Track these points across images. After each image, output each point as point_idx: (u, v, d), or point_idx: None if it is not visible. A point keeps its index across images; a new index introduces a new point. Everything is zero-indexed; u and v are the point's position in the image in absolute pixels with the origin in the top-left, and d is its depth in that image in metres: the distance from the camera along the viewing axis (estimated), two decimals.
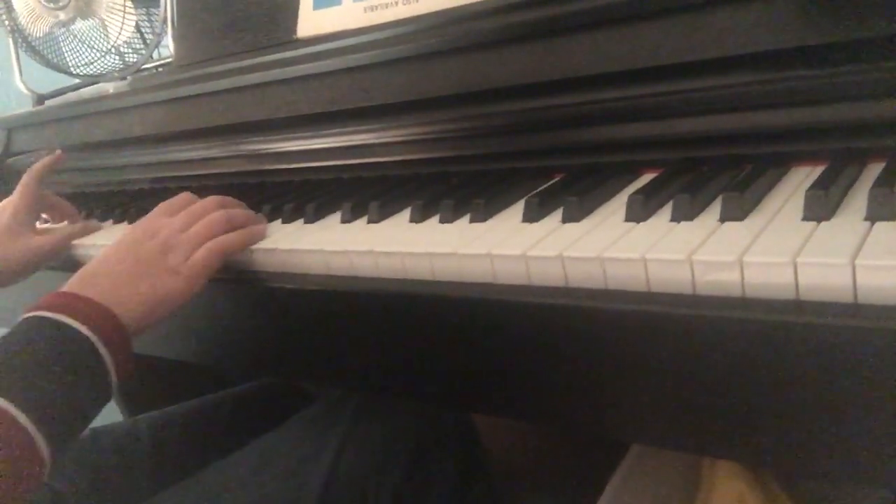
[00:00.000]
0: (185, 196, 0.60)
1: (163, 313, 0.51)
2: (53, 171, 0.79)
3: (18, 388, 0.41)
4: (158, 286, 0.51)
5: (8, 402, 0.40)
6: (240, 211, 0.61)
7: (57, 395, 0.43)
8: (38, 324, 0.45)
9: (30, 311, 0.46)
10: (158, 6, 0.99)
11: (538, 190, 0.54)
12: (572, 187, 0.52)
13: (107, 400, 0.47)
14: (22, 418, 0.40)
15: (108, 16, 1.05)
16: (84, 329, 0.45)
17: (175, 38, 0.93)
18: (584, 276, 0.42)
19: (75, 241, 0.75)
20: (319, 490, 0.61)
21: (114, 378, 0.46)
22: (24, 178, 0.75)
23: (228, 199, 0.62)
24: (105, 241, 0.74)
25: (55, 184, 1.04)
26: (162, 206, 0.59)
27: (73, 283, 0.50)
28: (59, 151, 0.81)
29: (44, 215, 0.83)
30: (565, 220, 0.48)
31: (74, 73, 1.10)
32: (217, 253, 0.54)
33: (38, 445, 0.41)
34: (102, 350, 0.45)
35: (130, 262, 0.52)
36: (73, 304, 0.47)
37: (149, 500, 0.62)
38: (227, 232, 0.57)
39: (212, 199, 0.60)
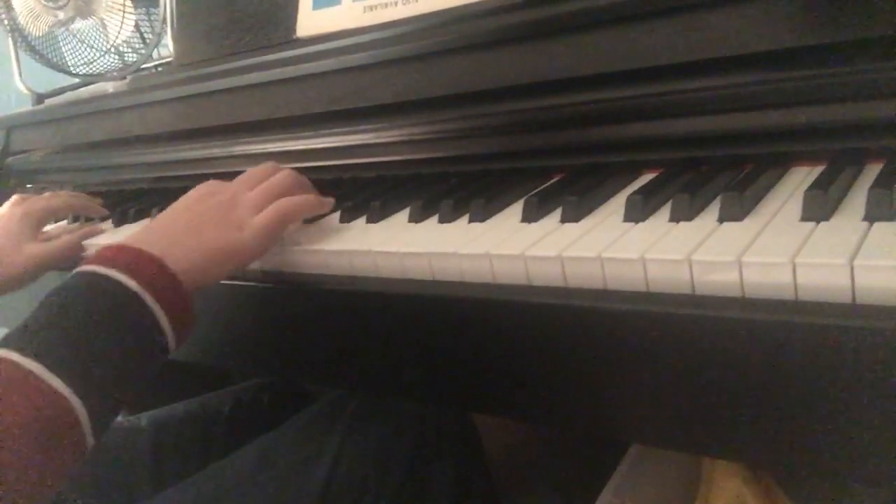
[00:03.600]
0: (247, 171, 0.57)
1: (224, 267, 0.48)
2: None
3: (53, 351, 0.38)
4: (221, 238, 0.48)
5: (41, 365, 0.37)
6: (305, 179, 0.58)
7: (97, 356, 0.39)
8: (79, 279, 0.42)
9: (79, 266, 0.43)
10: (158, 6, 0.98)
11: (537, 190, 0.54)
12: (571, 187, 0.52)
13: (163, 357, 0.43)
14: (56, 383, 0.37)
15: (107, 15, 1.05)
16: (129, 281, 0.41)
17: (175, 38, 0.93)
18: (583, 276, 0.42)
19: (86, 242, 0.75)
20: (320, 490, 0.61)
21: (169, 332, 0.43)
22: (67, 196, 0.76)
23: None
24: (112, 241, 0.74)
25: (55, 184, 1.04)
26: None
27: (128, 239, 0.46)
28: (100, 226, 0.78)
29: None
30: (564, 220, 0.48)
31: (74, 72, 1.10)
32: (282, 212, 0.51)
33: (76, 412, 0.37)
34: (151, 302, 0.42)
35: (191, 215, 0.49)
36: (119, 255, 0.43)
37: (149, 499, 0.62)
38: (295, 193, 0.54)
39: (272, 164, 0.57)
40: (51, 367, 0.37)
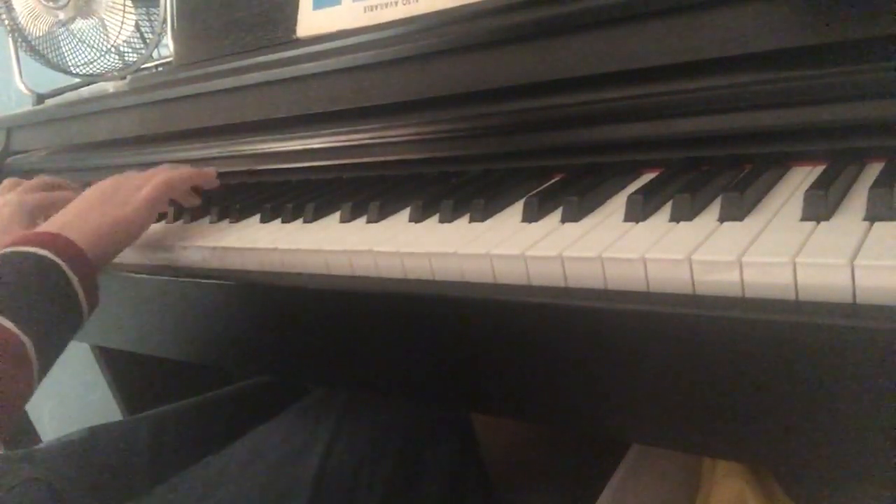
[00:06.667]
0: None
1: (118, 240, 0.58)
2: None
3: (7, 303, 0.46)
4: (108, 216, 0.58)
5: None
6: (183, 166, 0.68)
7: (36, 307, 0.48)
8: (9, 256, 0.50)
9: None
10: (158, 6, 0.99)
11: (538, 190, 0.54)
12: (572, 187, 0.52)
13: (80, 317, 0.52)
14: (10, 325, 0.45)
15: (107, 15, 1.05)
16: (48, 253, 0.51)
17: (175, 38, 0.93)
18: (583, 276, 0.42)
19: None
20: (312, 480, 0.61)
21: (82, 294, 0.52)
22: (54, 183, 0.77)
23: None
24: None
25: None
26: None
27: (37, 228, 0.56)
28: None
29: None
30: (565, 220, 0.48)
31: (74, 72, 1.10)
32: (162, 182, 0.61)
33: (28, 351, 0.46)
34: (66, 268, 0.51)
35: (82, 204, 0.59)
36: (36, 238, 0.52)
37: (145, 495, 0.62)
38: None
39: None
40: (3, 314, 0.46)
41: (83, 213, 0.57)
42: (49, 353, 0.49)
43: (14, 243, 0.51)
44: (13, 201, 0.71)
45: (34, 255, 0.50)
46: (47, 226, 0.56)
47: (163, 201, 0.62)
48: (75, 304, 0.51)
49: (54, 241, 0.52)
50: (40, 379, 0.48)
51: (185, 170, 0.66)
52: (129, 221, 0.58)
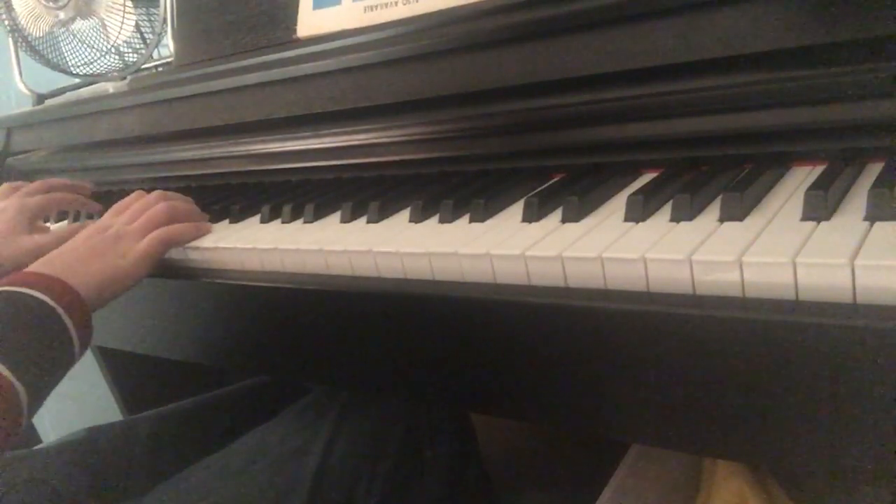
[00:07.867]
0: (134, 195, 0.68)
1: (114, 290, 0.58)
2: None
3: (3, 348, 0.46)
4: (108, 267, 0.58)
5: None
6: (182, 204, 0.68)
7: (30, 353, 0.48)
8: (8, 297, 0.50)
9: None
10: (158, 6, 0.98)
11: (538, 190, 0.54)
12: (572, 187, 0.52)
13: (71, 361, 0.53)
14: (6, 372, 0.46)
15: (107, 15, 1.05)
16: (46, 298, 0.51)
17: (175, 38, 0.93)
18: (583, 276, 0.42)
19: None
20: (312, 478, 0.62)
21: (76, 340, 0.52)
22: (62, 190, 0.77)
23: (173, 193, 0.69)
24: None
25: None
26: (114, 207, 0.67)
27: (34, 266, 0.55)
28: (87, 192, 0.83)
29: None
30: (565, 220, 0.48)
31: (74, 72, 1.09)
32: (160, 241, 0.61)
33: (20, 398, 0.46)
34: (63, 314, 0.51)
35: (85, 249, 0.59)
36: (35, 280, 0.53)
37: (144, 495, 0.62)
38: (171, 223, 0.64)
39: (155, 194, 0.68)
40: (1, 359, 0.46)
41: (84, 260, 0.57)
42: (39, 396, 0.49)
43: (14, 283, 0.52)
44: (13, 205, 0.72)
45: (33, 298, 0.51)
46: (47, 266, 0.55)
47: (161, 255, 0.63)
48: (69, 349, 0.52)
49: (54, 286, 0.52)
50: (27, 422, 0.48)
51: (186, 227, 0.65)
52: (127, 274, 0.59)
